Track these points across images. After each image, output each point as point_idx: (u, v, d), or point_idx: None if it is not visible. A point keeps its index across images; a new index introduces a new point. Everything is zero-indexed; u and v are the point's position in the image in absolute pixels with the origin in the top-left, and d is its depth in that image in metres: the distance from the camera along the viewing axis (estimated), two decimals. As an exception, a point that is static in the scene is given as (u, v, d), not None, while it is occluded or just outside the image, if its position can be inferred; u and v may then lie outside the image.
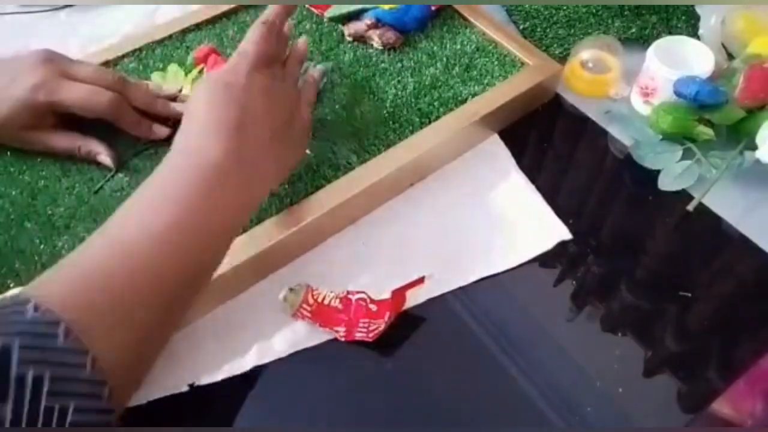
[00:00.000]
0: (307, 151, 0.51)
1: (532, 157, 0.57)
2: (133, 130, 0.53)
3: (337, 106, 0.56)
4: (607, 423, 0.42)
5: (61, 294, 0.33)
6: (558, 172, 0.56)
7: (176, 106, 0.54)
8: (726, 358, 0.45)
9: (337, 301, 0.45)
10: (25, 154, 0.52)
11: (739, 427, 0.43)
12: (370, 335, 0.44)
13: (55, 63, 0.51)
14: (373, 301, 0.45)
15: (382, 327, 0.44)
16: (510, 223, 0.52)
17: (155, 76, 0.57)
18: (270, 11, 0.48)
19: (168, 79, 0.57)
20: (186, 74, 0.57)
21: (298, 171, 0.51)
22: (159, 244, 0.36)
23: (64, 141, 0.52)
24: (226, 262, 0.45)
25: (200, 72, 0.55)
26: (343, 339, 0.44)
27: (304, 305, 0.45)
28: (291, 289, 0.46)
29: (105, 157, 0.51)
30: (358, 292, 0.46)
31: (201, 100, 0.42)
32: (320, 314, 0.45)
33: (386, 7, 0.60)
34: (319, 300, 0.46)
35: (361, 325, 0.44)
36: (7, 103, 0.49)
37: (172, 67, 0.57)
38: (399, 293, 0.45)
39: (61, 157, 0.52)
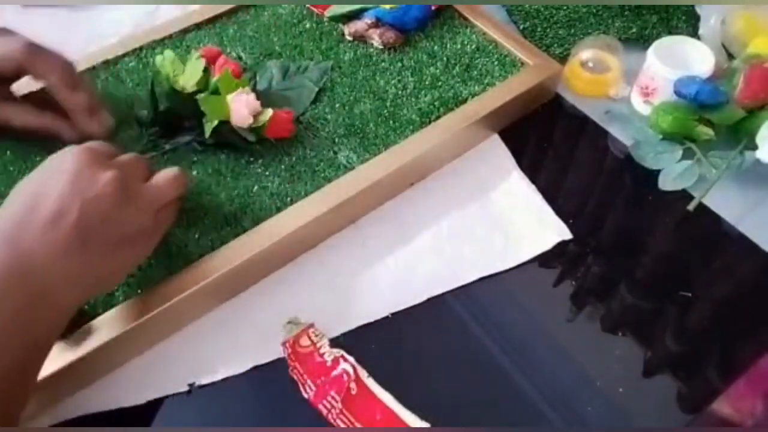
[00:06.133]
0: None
1: (532, 157, 0.57)
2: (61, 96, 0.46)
3: (337, 106, 0.56)
4: (607, 423, 0.42)
5: None
6: (558, 172, 0.56)
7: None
8: (726, 358, 0.45)
9: (330, 357, 0.43)
10: (25, 153, 0.52)
11: (739, 427, 0.43)
12: (329, 415, 0.41)
13: None
14: (357, 380, 0.42)
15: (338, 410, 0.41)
16: (510, 223, 0.52)
17: (158, 59, 0.56)
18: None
19: (166, 64, 0.55)
20: (184, 63, 0.56)
21: (297, 171, 0.51)
22: None
23: (19, 115, 0.47)
24: (226, 262, 0.45)
25: (205, 71, 0.54)
26: (306, 397, 0.42)
27: (296, 343, 0.44)
28: (290, 322, 0.45)
29: (66, 134, 0.47)
30: (350, 361, 0.43)
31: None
32: (303, 360, 0.43)
33: (386, 6, 0.60)
34: (310, 345, 0.44)
35: (329, 398, 0.41)
36: None
37: (168, 53, 0.56)
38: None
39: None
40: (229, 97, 0.50)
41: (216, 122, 0.50)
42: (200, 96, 0.50)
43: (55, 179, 0.35)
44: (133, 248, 0.39)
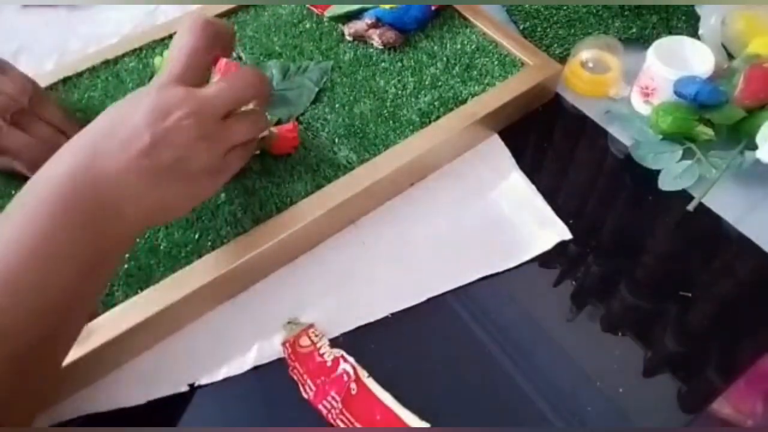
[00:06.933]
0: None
1: (532, 157, 0.57)
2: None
3: (337, 106, 0.56)
4: (607, 423, 0.42)
5: None
6: (558, 172, 0.56)
7: None
8: (726, 358, 0.45)
9: (330, 357, 0.44)
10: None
11: (739, 427, 0.43)
12: (329, 415, 0.41)
13: None
14: (357, 380, 0.43)
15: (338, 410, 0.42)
16: (510, 223, 0.52)
17: (157, 60, 0.56)
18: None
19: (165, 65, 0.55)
20: None
21: (298, 171, 0.51)
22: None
23: None
24: (226, 262, 0.45)
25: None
26: (306, 397, 0.42)
27: (296, 343, 0.44)
28: (290, 322, 0.46)
29: (20, 166, 0.49)
30: (349, 362, 0.43)
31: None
32: (303, 360, 0.44)
33: (386, 6, 0.60)
34: (310, 345, 0.44)
35: (329, 398, 0.42)
36: None
37: (167, 54, 0.55)
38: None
39: None
40: None
41: None
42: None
43: (134, 108, 0.38)
44: (198, 185, 0.40)
